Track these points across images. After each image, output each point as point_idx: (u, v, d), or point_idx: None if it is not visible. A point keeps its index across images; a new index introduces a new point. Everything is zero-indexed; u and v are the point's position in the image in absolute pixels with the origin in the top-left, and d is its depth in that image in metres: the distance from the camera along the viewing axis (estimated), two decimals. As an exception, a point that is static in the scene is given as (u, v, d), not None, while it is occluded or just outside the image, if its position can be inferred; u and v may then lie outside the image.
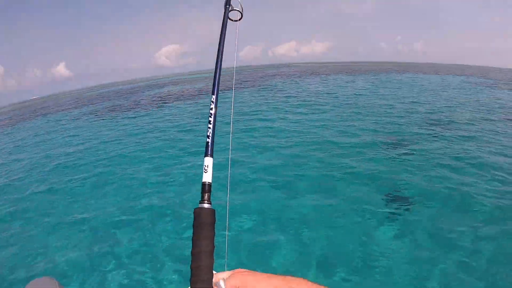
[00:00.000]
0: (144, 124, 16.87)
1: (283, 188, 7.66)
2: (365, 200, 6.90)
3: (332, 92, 24.65)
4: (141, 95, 38.33)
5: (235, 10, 1.30)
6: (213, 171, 1.01)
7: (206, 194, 1.00)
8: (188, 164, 9.75)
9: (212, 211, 0.98)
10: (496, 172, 7.86)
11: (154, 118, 18.58)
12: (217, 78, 1.17)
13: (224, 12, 1.26)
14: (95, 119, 21.84)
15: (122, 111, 23.56)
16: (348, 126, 13.10)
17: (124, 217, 6.91)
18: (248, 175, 8.36)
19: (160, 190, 8.16)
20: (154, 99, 30.88)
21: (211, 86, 1.17)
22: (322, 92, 24.41)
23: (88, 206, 7.68)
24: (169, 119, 17.60)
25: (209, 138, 1.04)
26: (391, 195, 7.09)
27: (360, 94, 22.65)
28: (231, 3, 1.27)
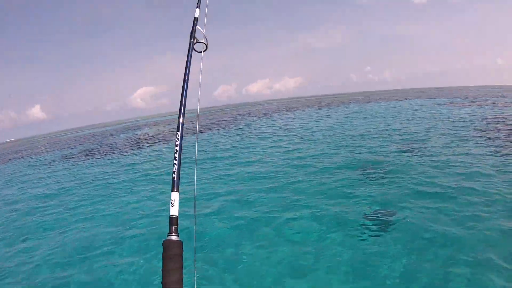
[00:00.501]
0: (116, 169, 16.48)
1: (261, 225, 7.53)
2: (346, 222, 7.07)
3: (307, 127, 25.08)
4: (116, 138, 37.89)
5: (200, 42, 1.36)
6: (179, 205, 1.06)
7: (174, 227, 1.04)
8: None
9: (179, 243, 1.02)
10: (467, 196, 8.03)
11: (129, 161, 18.24)
12: (182, 112, 1.14)
13: (189, 44, 1.32)
14: (70, 163, 21.17)
15: (96, 156, 23.04)
16: (325, 157, 13.24)
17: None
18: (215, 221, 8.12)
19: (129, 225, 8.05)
20: (128, 142, 30.54)
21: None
22: (297, 128, 24.75)
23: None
24: (143, 162, 17.33)
25: (174, 174, 1.09)
26: (370, 217, 7.23)
27: (334, 127, 23.19)
28: (196, 35, 1.32)
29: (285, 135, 20.87)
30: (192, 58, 1.33)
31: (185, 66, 1.26)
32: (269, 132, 23.54)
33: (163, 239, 1.03)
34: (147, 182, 12.51)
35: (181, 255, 1.01)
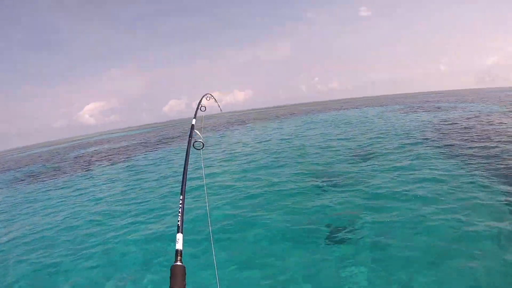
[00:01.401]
0: (66, 194, 15.76)
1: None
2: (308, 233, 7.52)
3: (260, 140, 25.43)
4: (64, 158, 35.99)
5: (198, 140, 1.79)
6: (183, 241, 1.53)
7: (179, 257, 1.46)
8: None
9: (183, 267, 1.42)
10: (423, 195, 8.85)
11: (80, 185, 17.49)
12: (184, 182, 1.59)
13: (188, 142, 1.72)
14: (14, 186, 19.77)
15: (43, 179, 21.75)
16: (280, 170, 13.66)
17: None
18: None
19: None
20: (78, 162, 29.15)
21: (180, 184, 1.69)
22: (250, 142, 24.96)
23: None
24: (97, 185, 16.73)
25: (179, 221, 1.58)
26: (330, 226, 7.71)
27: (288, 138, 23.88)
28: (193, 135, 1.75)
29: (240, 148, 21.32)
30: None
31: (185, 159, 1.68)
32: (223, 147, 23.71)
33: (171, 264, 1.43)
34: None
35: (184, 277, 1.40)
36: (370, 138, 18.73)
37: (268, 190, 11.05)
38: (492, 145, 13.47)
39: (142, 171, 18.35)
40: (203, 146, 1.89)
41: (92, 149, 43.65)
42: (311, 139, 21.81)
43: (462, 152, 12.84)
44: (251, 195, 10.78)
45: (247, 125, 45.10)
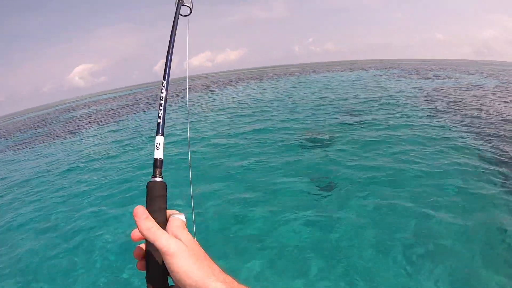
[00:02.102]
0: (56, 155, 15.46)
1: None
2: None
3: (253, 98, 25.16)
4: (57, 120, 35.29)
5: (185, 5, 1.36)
6: (164, 148, 1.11)
7: (158, 169, 1.05)
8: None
9: (164, 184, 1.03)
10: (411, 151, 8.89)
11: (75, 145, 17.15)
12: (168, 64, 1.18)
13: (176, 7, 1.31)
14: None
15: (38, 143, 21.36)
16: (276, 128, 13.61)
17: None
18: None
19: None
20: (71, 124, 28.57)
21: (162, 72, 1.19)
22: (243, 100, 24.76)
23: None
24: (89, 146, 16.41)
25: (160, 119, 1.13)
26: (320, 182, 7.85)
27: (280, 98, 23.63)
28: None
29: (234, 107, 20.96)
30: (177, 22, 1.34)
31: (171, 32, 1.27)
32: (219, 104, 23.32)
33: (147, 181, 1.00)
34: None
35: (165, 196, 1.00)
36: (362, 101, 18.49)
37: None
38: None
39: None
40: (190, 12, 1.42)
41: (81, 111, 42.77)
42: (304, 99, 21.59)
43: (448, 117, 12.99)
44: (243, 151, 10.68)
45: (240, 84, 44.35)
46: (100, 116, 30.24)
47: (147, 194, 0.99)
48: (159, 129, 1.12)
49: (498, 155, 8.61)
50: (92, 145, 15.80)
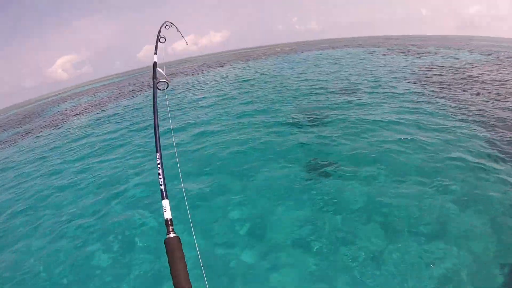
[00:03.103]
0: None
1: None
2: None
3: (244, 78, 25.17)
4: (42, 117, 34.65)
5: (162, 81, 1.54)
6: (170, 207, 1.34)
7: (170, 227, 1.30)
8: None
9: (178, 238, 1.28)
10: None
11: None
12: (157, 139, 1.38)
13: (153, 84, 1.49)
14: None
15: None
16: (267, 107, 13.97)
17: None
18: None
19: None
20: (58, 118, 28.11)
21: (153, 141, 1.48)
22: (234, 81, 24.77)
23: None
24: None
25: (161, 186, 1.36)
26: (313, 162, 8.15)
27: (272, 75, 23.76)
28: (157, 76, 1.49)
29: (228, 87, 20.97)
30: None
31: (152, 104, 1.45)
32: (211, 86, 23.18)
33: (164, 239, 1.29)
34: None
35: (181, 248, 1.27)
36: (354, 80, 18.57)
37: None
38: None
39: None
40: (167, 86, 1.64)
41: (65, 105, 41.98)
42: (292, 77, 21.74)
43: (434, 97, 13.18)
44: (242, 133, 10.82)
45: (225, 67, 43.75)
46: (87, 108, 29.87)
47: (166, 248, 1.25)
48: (163, 194, 1.35)
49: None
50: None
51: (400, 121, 10.24)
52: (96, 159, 11.69)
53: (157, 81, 1.59)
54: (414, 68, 21.89)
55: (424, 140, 8.52)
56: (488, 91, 13.70)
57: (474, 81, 16.26)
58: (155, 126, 1.40)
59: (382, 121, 10.35)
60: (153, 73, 1.55)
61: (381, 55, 33.78)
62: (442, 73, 19.21)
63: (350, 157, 8.09)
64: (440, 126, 9.59)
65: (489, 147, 8.07)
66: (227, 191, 7.34)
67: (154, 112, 1.42)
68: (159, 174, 1.41)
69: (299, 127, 10.76)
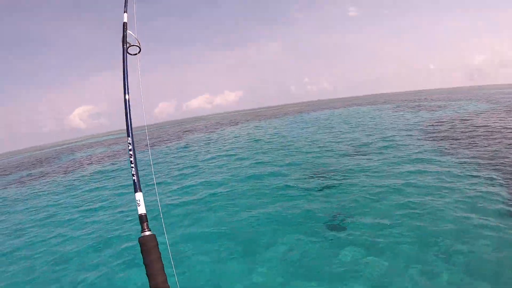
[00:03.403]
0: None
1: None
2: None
3: (257, 138, 25.34)
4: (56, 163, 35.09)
5: (133, 45, 1.39)
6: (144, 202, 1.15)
7: (145, 224, 1.14)
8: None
9: (153, 236, 1.12)
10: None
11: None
12: (129, 125, 1.21)
13: (123, 49, 1.33)
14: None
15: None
16: (280, 166, 13.68)
17: None
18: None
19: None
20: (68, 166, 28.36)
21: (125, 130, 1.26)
22: (246, 140, 24.85)
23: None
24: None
25: (134, 176, 1.16)
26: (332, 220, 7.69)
27: (284, 135, 23.81)
28: (128, 40, 1.34)
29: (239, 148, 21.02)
30: (128, 62, 1.38)
31: (122, 71, 1.33)
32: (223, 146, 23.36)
33: (138, 237, 1.12)
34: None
35: (157, 246, 1.11)
36: (365, 137, 18.65)
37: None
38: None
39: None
40: (139, 51, 1.45)
41: (85, 153, 42.70)
42: (303, 137, 21.79)
43: (451, 150, 12.96)
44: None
45: (240, 124, 44.59)
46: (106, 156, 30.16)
47: (141, 248, 1.10)
48: (136, 187, 1.18)
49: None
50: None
51: (413, 183, 9.76)
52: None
53: (127, 46, 1.42)
54: (425, 123, 21.84)
55: (440, 204, 7.96)
56: (497, 140, 13.43)
57: (486, 131, 16.17)
58: (126, 107, 1.25)
59: (394, 185, 9.79)
60: (123, 36, 1.38)
61: (391, 112, 34.09)
62: (451, 127, 19.17)
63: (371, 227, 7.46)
64: (456, 186, 9.11)
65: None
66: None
67: (124, 87, 1.27)
68: (131, 162, 1.21)
69: (308, 190, 10.33)
